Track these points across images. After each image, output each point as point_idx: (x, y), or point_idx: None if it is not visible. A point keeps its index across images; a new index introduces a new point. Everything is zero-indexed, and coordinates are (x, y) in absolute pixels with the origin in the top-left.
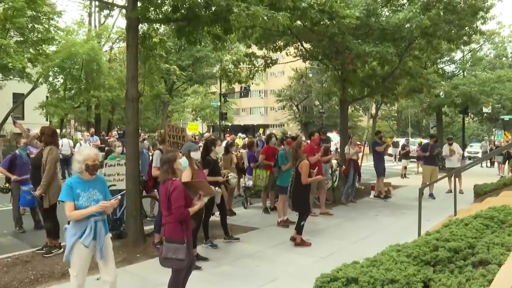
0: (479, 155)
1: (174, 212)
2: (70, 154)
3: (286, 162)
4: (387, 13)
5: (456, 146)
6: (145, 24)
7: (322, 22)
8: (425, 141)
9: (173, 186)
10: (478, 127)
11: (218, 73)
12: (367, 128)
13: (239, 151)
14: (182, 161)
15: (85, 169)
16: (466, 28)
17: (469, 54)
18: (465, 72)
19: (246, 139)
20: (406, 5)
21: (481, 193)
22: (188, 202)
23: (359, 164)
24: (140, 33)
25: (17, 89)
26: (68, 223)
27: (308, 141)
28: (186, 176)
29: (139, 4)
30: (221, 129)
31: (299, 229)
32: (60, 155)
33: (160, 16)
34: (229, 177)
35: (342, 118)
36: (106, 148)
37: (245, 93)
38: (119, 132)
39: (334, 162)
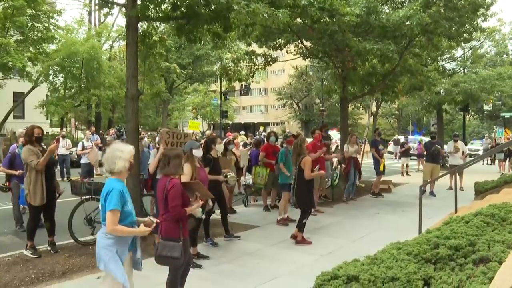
0: (480, 152)
1: (170, 211)
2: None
3: (285, 160)
4: (387, 11)
5: (461, 144)
6: (145, 22)
7: (322, 20)
8: (425, 139)
9: (171, 184)
10: (479, 124)
11: (218, 71)
12: (368, 126)
13: (239, 148)
14: None
15: (129, 168)
16: (467, 25)
17: (470, 51)
18: (465, 70)
19: (244, 137)
20: (406, 2)
21: (481, 190)
22: (185, 201)
23: (360, 162)
24: (140, 31)
25: (17, 88)
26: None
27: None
28: (185, 174)
29: (138, 2)
30: (222, 127)
31: (300, 227)
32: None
33: (160, 14)
34: (228, 177)
35: (342, 116)
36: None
37: (246, 91)
38: (117, 133)
39: (334, 160)
